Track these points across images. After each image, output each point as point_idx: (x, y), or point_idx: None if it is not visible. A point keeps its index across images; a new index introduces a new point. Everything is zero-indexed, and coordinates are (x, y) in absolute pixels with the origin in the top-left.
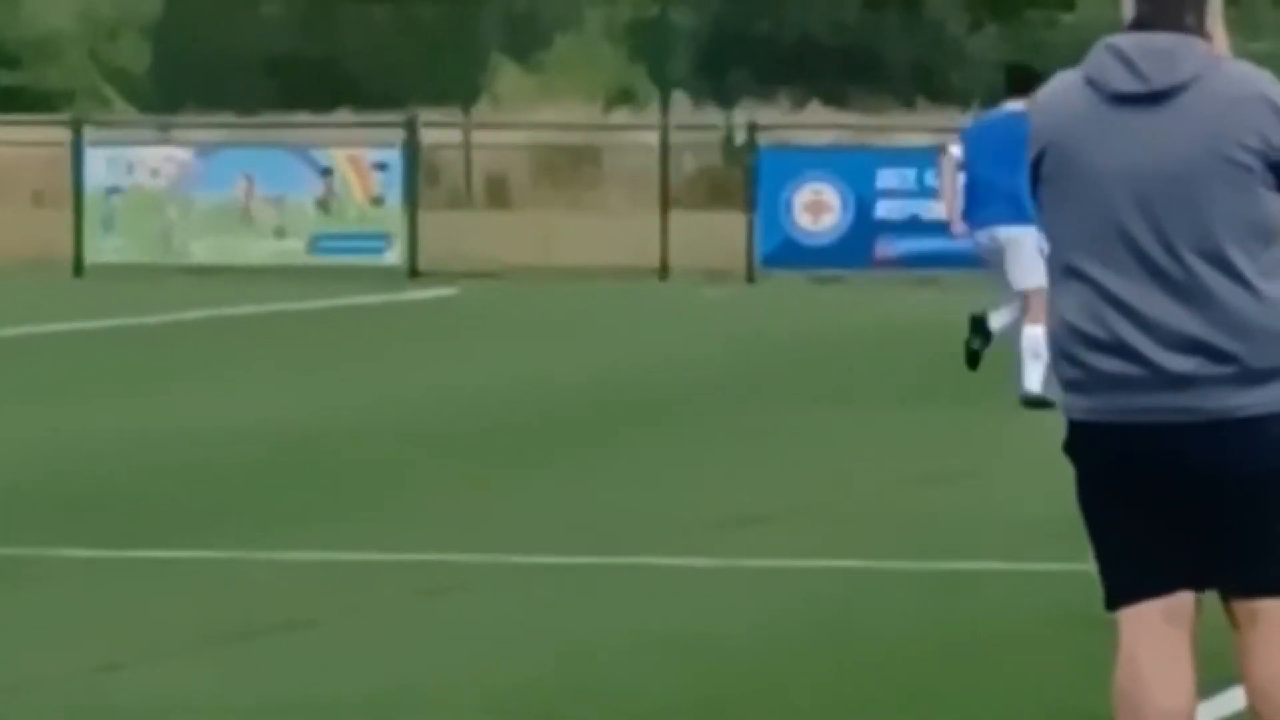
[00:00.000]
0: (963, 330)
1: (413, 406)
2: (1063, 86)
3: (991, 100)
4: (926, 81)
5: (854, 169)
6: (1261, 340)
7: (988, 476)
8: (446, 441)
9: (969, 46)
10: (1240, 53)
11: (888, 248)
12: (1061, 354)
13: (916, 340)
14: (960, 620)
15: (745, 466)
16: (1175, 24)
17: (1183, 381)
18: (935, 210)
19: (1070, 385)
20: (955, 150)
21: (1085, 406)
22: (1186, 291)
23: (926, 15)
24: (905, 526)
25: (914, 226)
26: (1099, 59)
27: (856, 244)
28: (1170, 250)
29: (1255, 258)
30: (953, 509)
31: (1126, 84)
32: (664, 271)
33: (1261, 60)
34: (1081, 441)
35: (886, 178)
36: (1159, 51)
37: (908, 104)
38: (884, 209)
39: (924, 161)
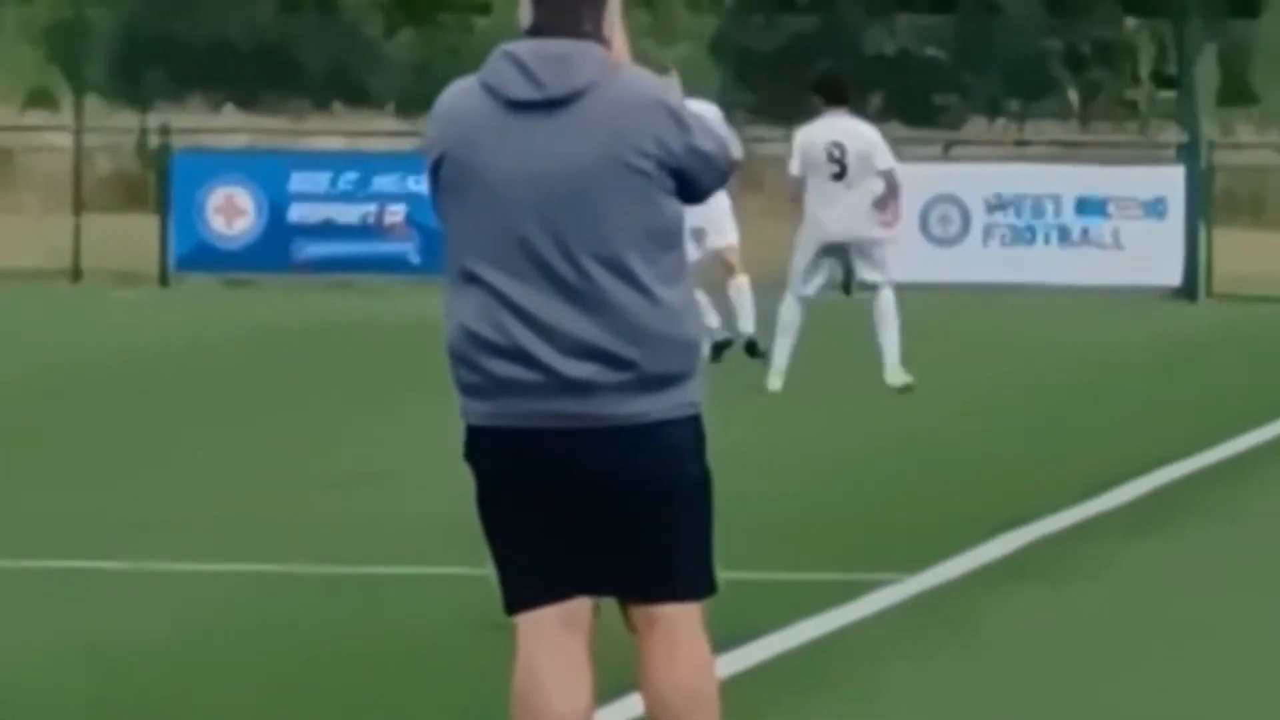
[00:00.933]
0: (375, 331)
1: None
2: (461, 93)
3: (405, 104)
4: (343, 85)
5: (268, 172)
6: (658, 346)
7: (397, 480)
8: None
9: (385, 50)
10: (656, 58)
11: (301, 251)
12: (459, 359)
13: (330, 343)
14: (369, 624)
15: (154, 471)
16: (572, 31)
17: (581, 387)
18: (350, 214)
19: (468, 390)
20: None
21: (483, 411)
22: (584, 298)
23: (342, 18)
24: (315, 531)
25: (328, 230)
26: (496, 66)
27: (271, 247)
28: (568, 256)
29: (654, 263)
30: (362, 513)
31: (523, 91)
32: (76, 274)
33: (678, 65)
34: (480, 447)
35: (300, 181)
36: (555, 58)
37: (323, 107)
38: (298, 212)
39: (339, 165)
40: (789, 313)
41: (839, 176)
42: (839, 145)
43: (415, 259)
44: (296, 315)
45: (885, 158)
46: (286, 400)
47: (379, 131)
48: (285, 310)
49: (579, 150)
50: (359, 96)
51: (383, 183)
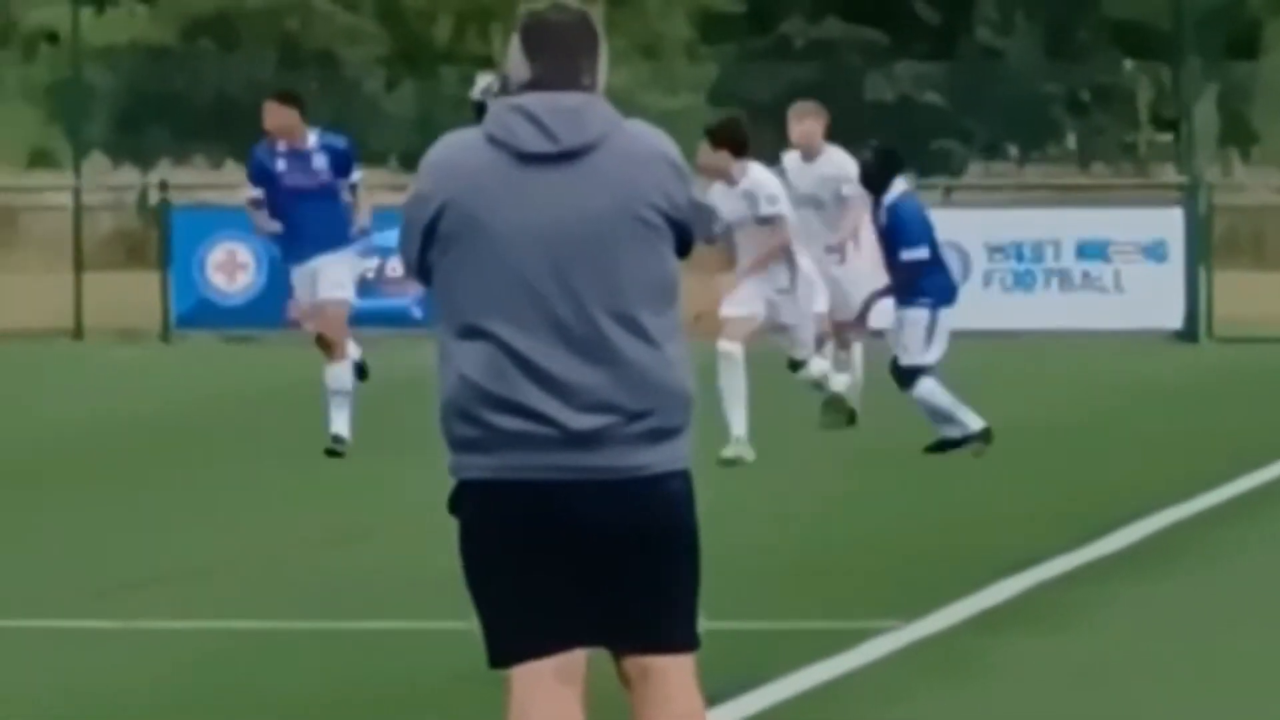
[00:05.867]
0: (375, 385)
1: None
2: (461, 145)
3: (406, 158)
4: None
5: None
6: (666, 400)
7: (386, 534)
8: None
9: (385, 104)
10: (657, 109)
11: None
12: (459, 413)
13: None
14: (363, 679)
15: (147, 527)
16: (573, 84)
17: (588, 440)
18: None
19: (466, 444)
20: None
21: (483, 465)
22: (595, 351)
23: (343, 74)
24: (307, 586)
25: None
26: (504, 118)
27: (271, 303)
28: (580, 309)
29: (661, 316)
30: (355, 568)
31: (536, 143)
32: (78, 332)
33: (677, 116)
34: (476, 499)
35: None
36: (567, 111)
37: None
38: None
39: None
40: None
41: None
42: None
43: (417, 313)
44: (297, 371)
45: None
46: (284, 456)
47: (379, 185)
48: (286, 366)
49: (592, 203)
50: (359, 151)
51: (385, 237)
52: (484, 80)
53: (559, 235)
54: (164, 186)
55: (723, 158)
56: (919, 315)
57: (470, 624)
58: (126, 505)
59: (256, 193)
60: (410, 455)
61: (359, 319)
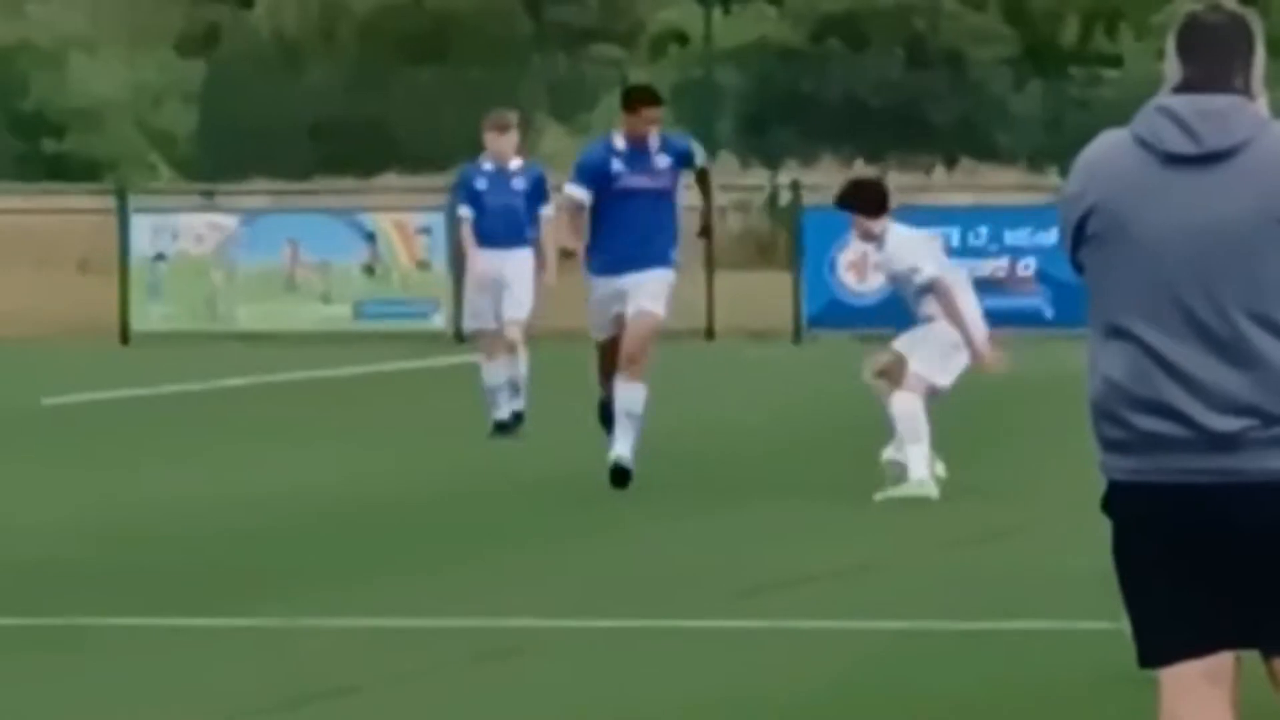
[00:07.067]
0: (1007, 385)
1: (459, 470)
2: (1111, 146)
3: (1035, 159)
4: (970, 140)
5: None
6: None
7: (1031, 534)
8: (496, 505)
9: (1013, 105)
10: None
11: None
12: (1104, 413)
13: (960, 398)
14: (1008, 680)
15: (793, 528)
16: (1225, 86)
17: (1228, 443)
18: (980, 269)
19: (1112, 445)
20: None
21: (1127, 466)
22: (1235, 353)
23: (971, 74)
24: (952, 586)
25: None
26: (1150, 120)
27: (902, 303)
28: (1221, 312)
29: None
30: (998, 568)
31: (1181, 145)
32: (710, 332)
33: None
34: (1122, 501)
35: None
36: (1212, 113)
37: (951, 163)
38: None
39: (967, 220)
40: None
41: None
42: None
43: (1048, 313)
44: None
45: None
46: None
47: (1007, 186)
48: None
49: (1235, 205)
50: (987, 152)
51: (1013, 237)
52: None
53: (1201, 237)
54: (796, 187)
55: (857, 220)
56: None
57: (1120, 624)
58: (765, 506)
59: None
60: (1052, 453)
61: (989, 319)
